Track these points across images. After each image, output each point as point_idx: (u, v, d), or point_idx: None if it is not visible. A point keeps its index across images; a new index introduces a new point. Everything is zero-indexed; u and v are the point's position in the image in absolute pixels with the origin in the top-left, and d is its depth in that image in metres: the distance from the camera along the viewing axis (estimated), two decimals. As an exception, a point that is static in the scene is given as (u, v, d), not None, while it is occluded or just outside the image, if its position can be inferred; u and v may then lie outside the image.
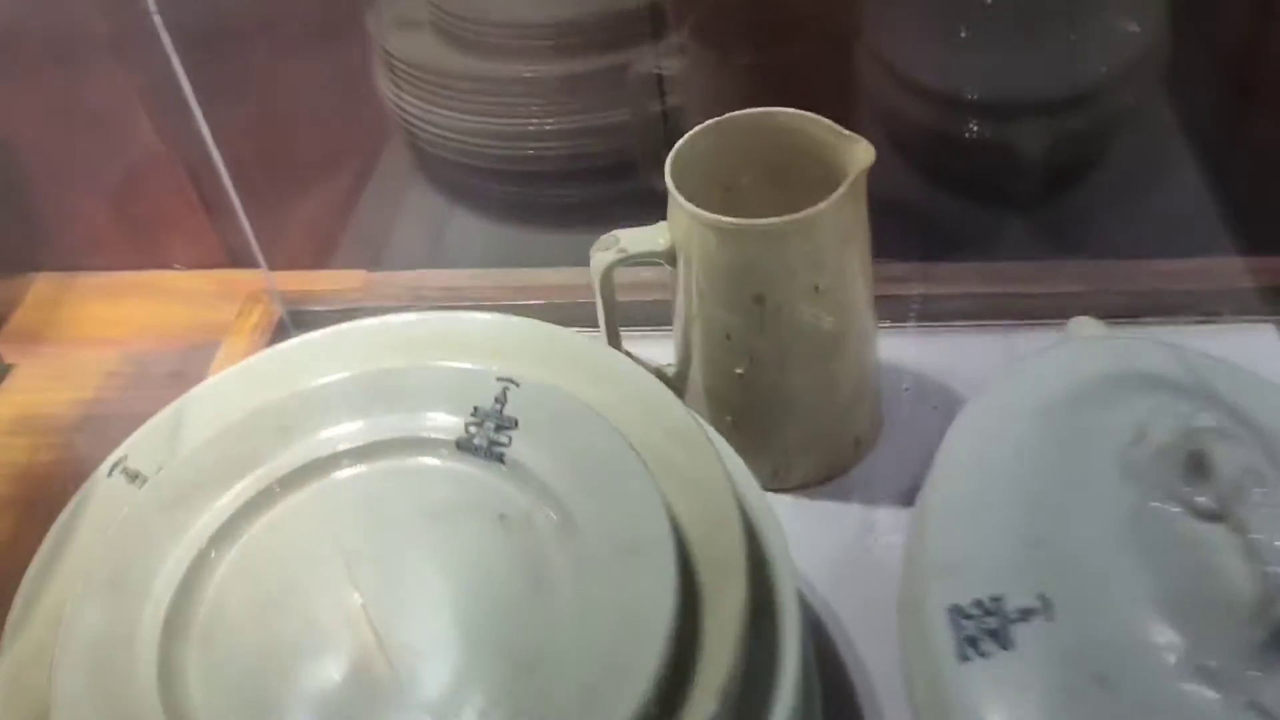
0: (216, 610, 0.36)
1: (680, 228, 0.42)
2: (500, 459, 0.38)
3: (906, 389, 0.51)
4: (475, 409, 0.39)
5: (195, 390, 0.42)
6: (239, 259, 0.64)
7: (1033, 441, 0.37)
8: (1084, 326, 0.45)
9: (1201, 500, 0.33)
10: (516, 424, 0.39)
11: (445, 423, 0.39)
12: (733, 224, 0.40)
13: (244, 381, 0.42)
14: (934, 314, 0.53)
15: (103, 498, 0.39)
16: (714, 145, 0.44)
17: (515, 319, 0.43)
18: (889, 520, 0.46)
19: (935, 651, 0.33)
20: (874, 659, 0.41)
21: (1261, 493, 0.32)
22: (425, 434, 0.39)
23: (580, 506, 0.36)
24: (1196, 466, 0.33)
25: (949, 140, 0.57)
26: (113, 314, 0.66)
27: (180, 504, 0.38)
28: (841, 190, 0.40)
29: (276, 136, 0.63)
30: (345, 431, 0.40)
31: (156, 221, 0.69)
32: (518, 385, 0.40)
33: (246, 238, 0.60)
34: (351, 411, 0.40)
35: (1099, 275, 0.53)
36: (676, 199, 0.41)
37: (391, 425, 0.40)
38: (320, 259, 0.65)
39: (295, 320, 0.59)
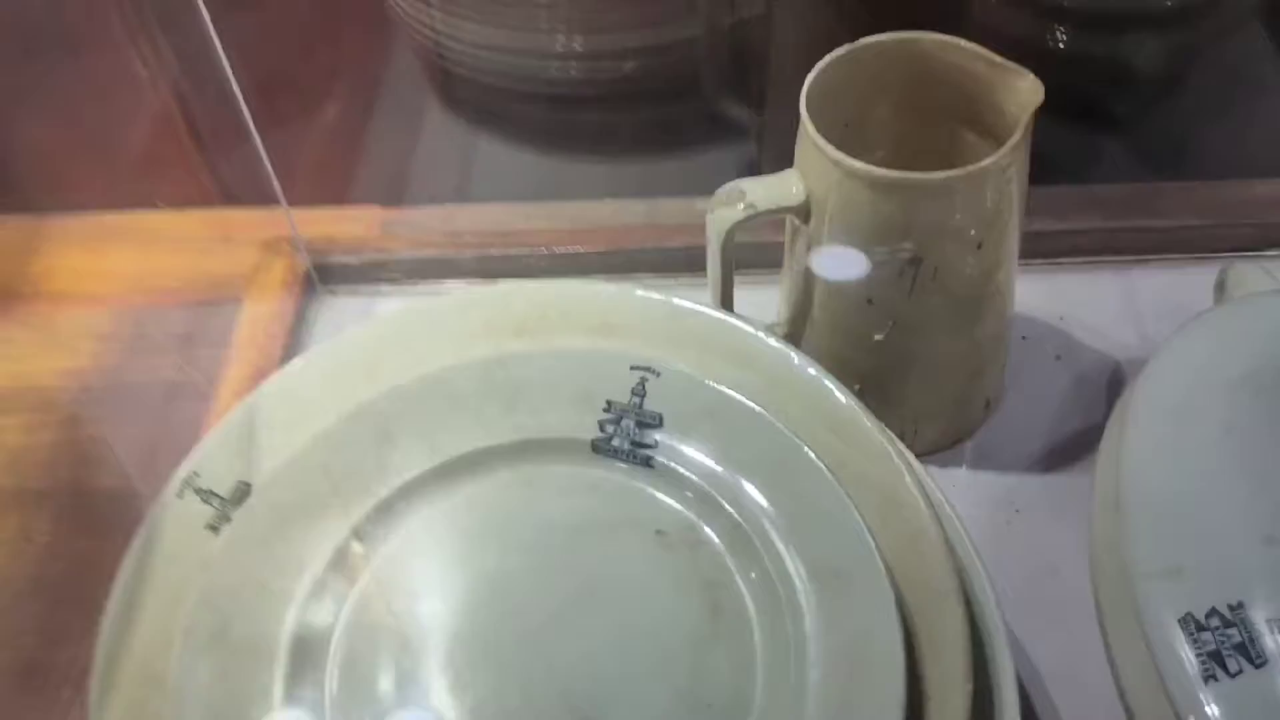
0: (349, 664, 0.30)
1: (819, 178, 0.37)
2: (647, 463, 0.34)
3: (1024, 338, 0.46)
4: (609, 404, 0.34)
5: (264, 387, 0.36)
6: (234, 196, 0.57)
7: (1244, 419, 0.34)
8: (1243, 275, 0.41)
9: None
10: (661, 421, 0.34)
11: (575, 421, 0.34)
12: (893, 178, 0.35)
13: (319, 375, 0.36)
14: (1040, 250, 0.49)
15: (176, 524, 0.33)
16: (845, 76, 0.38)
17: (627, 288, 0.38)
18: (1025, 489, 0.43)
19: (1170, 669, 0.30)
20: (1042, 653, 0.38)
21: None
22: (554, 435, 0.34)
23: (754, 521, 0.32)
24: None
25: (1046, 54, 0.52)
26: (95, 264, 0.58)
27: (280, 535, 0.32)
28: (1016, 138, 0.35)
29: (280, 55, 0.55)
30: (460, 435, 0.34)
31: (135, 154, 0.60)
32: (657, 374, 0.34)
33: (255, 172, 0.52)
34: (463, 411, 0.34)
35: (1218, 203, 0.49)
36: (822, 147, 0.36)
37: (513, 426, 0.34)
38: (334, 194, 0.57)
39: (322, 275, 0.52)
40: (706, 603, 0.31)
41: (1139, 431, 0.35)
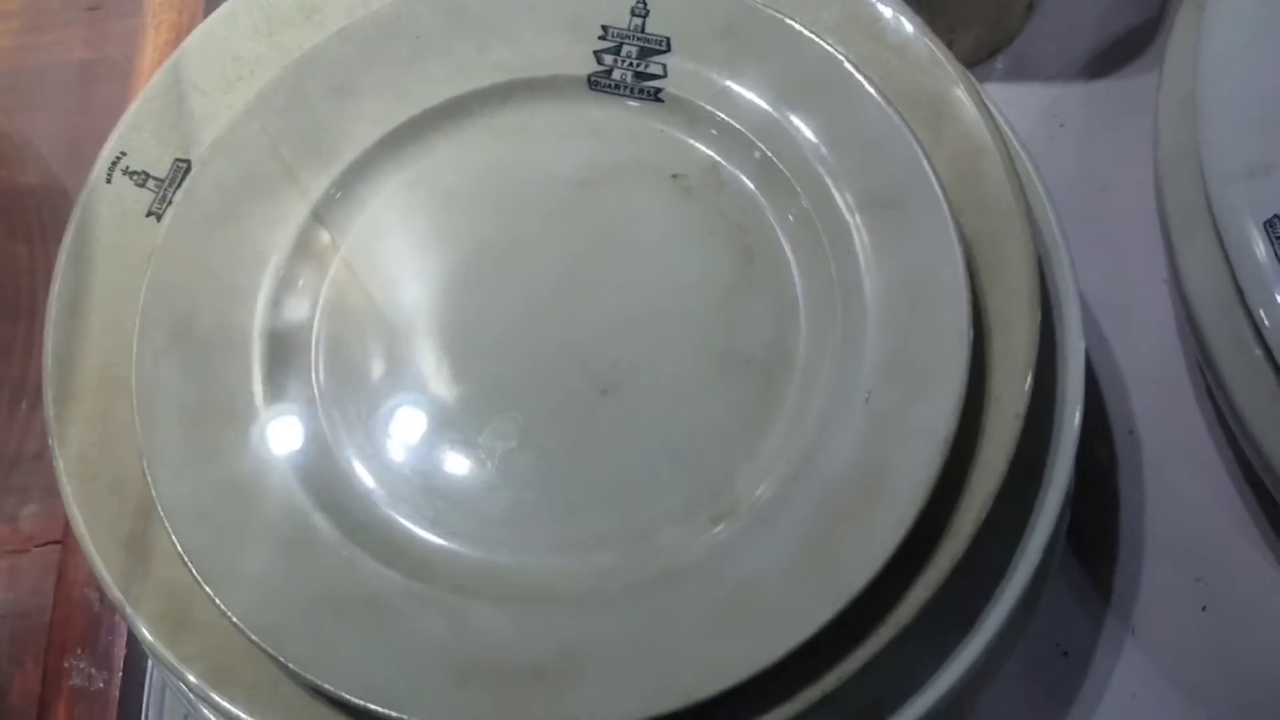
0: (335, 353, 0.27)
1: None
2: (655, 97, 0.28)
3: (1064, -74, 0.40)
4: (605, 29, 0.29)
5: (186, 45, 0.30)
6: None
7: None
8: None
9: None
10: (668, 44, 0.28)
11: (565, 53, 0.29)
12: None
13: (249, 25, 0.30)
14: None
15: (110, 211, 0.29)
16: None
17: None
18: (1069, 100, 0.38)
19: (1252, 271, 0.27)
20: (1091, 277, 0.35)
21: None
22: (542, 73, 0.29)
23: (788, 154, 0.27)
24: None
25: None
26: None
27: (232, 214, 0.27)
28: None
29: None
30: (426, 82, 0.29)
31: None
32: (658, -12, 0.29)
33: None
34: (430, 52, 0.29)
35: None
36: None
37: (492, 65, 0.29)
38: None
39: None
40: (737, 250, 0.27)
41: (1220, 18, 0.30)
